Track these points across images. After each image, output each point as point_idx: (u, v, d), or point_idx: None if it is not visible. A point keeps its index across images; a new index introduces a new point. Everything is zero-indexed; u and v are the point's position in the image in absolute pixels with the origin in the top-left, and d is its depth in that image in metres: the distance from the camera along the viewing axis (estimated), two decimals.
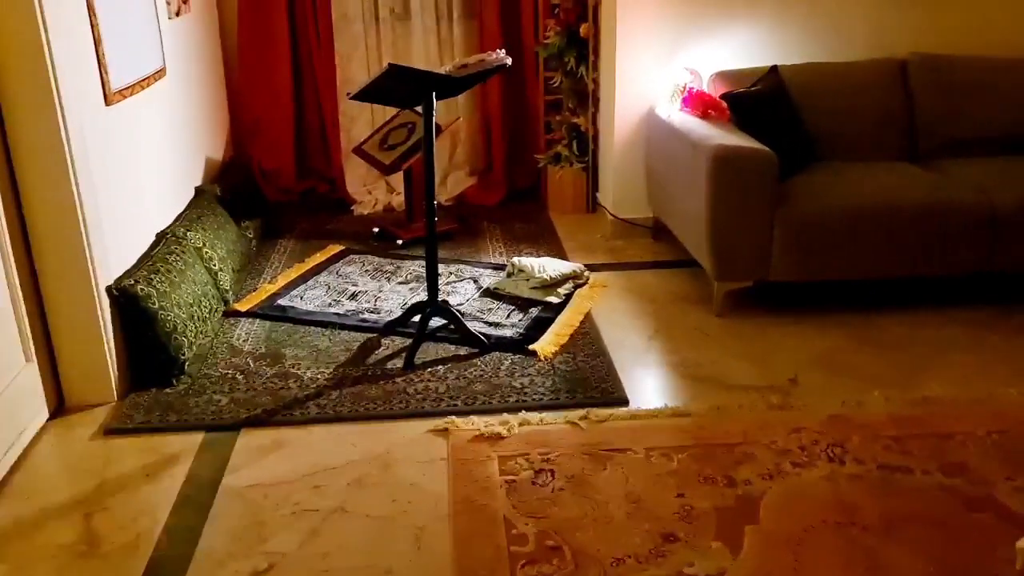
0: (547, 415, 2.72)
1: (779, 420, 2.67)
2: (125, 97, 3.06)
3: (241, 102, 4.71)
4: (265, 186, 4.73)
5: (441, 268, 3.86)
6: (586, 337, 3.23)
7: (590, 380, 2.92)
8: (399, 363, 3.06)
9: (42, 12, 2.46)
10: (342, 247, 4.19)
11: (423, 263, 3.81)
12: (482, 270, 3.89)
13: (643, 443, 2.56)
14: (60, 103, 2.55)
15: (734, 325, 3.33)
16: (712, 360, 3.07)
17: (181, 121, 3.79)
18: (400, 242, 4.20)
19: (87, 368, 2.81)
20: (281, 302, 3.57)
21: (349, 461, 2.52)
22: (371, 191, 4.87)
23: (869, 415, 2.68)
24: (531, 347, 3.12)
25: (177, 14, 3.80)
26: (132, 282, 2.87)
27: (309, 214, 4.70)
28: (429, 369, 3.02)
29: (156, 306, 2.90)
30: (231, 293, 3.56)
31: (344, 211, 4.75)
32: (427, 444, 2.60)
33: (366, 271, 3.90)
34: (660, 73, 4.01)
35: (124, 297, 2.85)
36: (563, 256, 4.05)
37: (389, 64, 2.59)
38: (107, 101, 2.91)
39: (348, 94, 2.92)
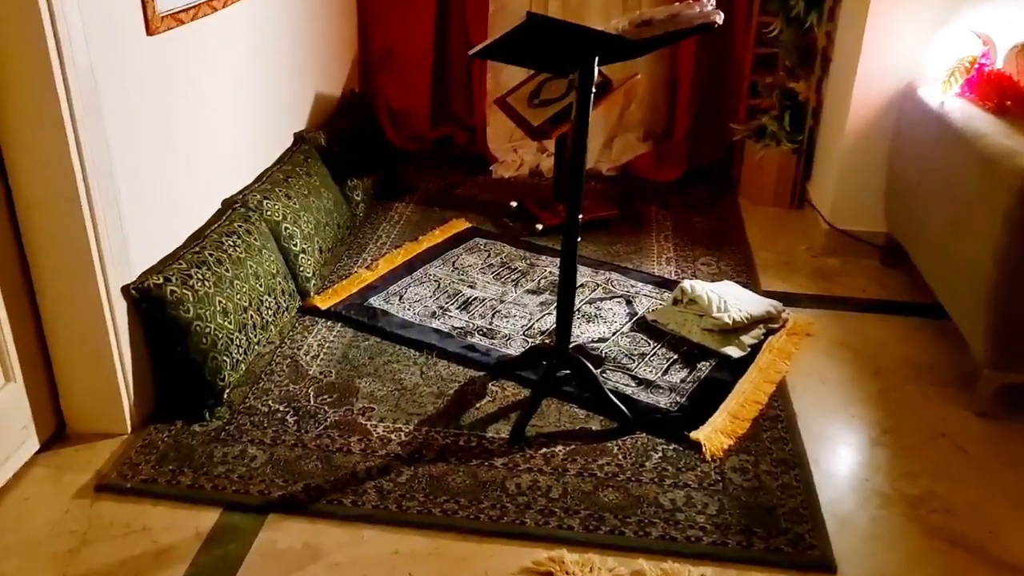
0: (706, 572, 1.79)
1: None
2: (181, 22, 2.26)
3: (373, 26, 3.85)
4: (392, 130, 3.91)
5: (587, 274, 2.93)
6: (777, 427, 2.23)
7: (777, 514, 1.94)
8: (504, 430, 2.19)
9: None
10: (469, 225, 3.32)
11: None
12: (640, 285, 2.91)
13: None
14: (56, 36, 1.77)
15: (1007, 439, 2.22)
16: (973, 505, 2.00)
17: (278, 51, 2.98)
18: (540, 227, 3.28)
19: (93, 390, 2.11)
20: (374, 300, 2.76)
21: None
22: (517, 149, 3.94)
23: None
24: (693, 435, 2.17)
25: None
26: (160, 280, 2.12)
27: (439, 169, 3.85)
28: (544, 450, 2.13)
29: (191, 314, 2.15)
30: (313, 281, 2.78)
31: (482, 170, 3.86)
32: None
33: (490, 266, 3.01)
34: (930, 37, 2.81)
35: (146, 301, 2.11)
36: (751, 272, 3.01)
37: (528, 14, 1.63)
38: (149, 29, 2.11)
39: (469, 52, 1.98)
